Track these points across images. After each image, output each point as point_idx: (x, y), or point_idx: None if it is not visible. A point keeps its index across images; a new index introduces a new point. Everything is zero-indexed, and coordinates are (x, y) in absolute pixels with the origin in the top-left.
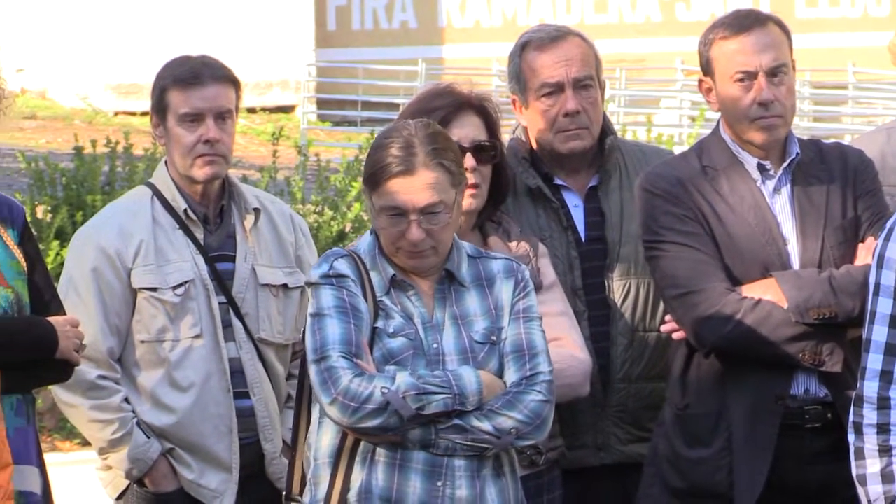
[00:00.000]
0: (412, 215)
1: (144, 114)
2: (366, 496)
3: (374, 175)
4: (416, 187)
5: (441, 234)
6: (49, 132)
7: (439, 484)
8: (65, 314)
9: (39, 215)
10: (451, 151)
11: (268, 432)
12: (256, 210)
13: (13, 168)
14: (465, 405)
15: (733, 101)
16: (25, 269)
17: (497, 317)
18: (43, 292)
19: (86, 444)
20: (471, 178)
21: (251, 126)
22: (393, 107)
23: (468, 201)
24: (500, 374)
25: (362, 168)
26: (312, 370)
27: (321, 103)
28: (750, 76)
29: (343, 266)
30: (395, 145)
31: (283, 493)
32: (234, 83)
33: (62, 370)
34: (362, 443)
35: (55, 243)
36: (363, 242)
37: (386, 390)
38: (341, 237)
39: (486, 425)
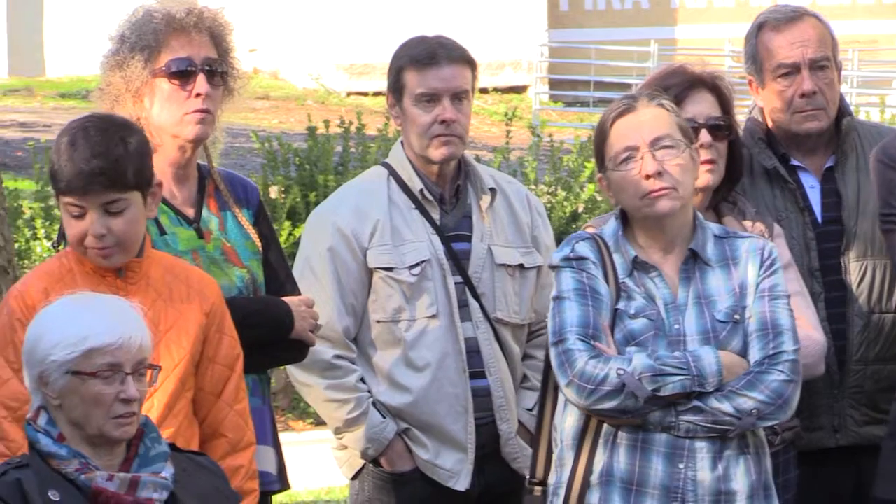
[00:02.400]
0: (643, 149)
1: (377, 94)
2: (607, 479)
3: (601, 133)
4: (640, 122)
5: (677, 172)
6: (281, 112)
7: (681, 466)
8: (300, 294)
9: (273, 195)
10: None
11: (504, 412)
12: (492, 190)
13: (246, 148)
14: (704, 386)
15: None
16: (260, 249)
17: (741, 295)
18: (278, 272)
19: (319, 423)
20: (706, 155)
21: (483, 106)
22: (625, 87)
23: (705, 177)
24: (743, 353)
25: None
26: (552, 353)
27: (553, 84)
28: None
29: (584, 248)
30: (612, 104)
31: (527, 476)
32: (471, 63)
33: (298, 350)
34: (605, 425)
35: (287, 223)
36: (609, 225)
37: (622, 372)
38: (574, 218)
39: (726, 406)
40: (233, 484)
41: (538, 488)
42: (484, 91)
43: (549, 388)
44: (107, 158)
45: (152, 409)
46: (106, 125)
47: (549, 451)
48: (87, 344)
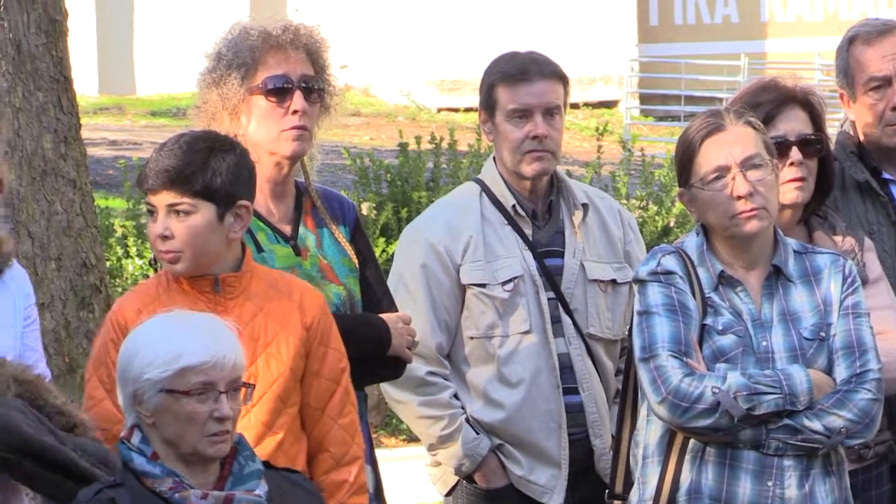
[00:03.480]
0: (734, 169)
1: (468, 110)
2: (695, 496)
3: (687, 151)
4: (730, 141)
5: (766, 191)
6: (373, 129)
7: (769, 484)
8: (397, 310)
9: (364, 212)
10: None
11: (597, 428)
12: (585, 206)
13: (337, 165)
14: (795, 405)
15: None
16: (357, 266)
17: (826, 313)
18: (375, 288)
19: (411, 440)
20: (797, 172)
21: (574, 121)
22: (715, 101)
23: (794, 194)
24: (828, 370)
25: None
26: (641, 369)
27: (644, 98)
28: None
29: (671, 262)
30: (698, 121)
31: (606, 490)
32: (563, 79)
33: (395, 367)
34: (691, 441)
35: (380, 240)
36: (690, 240)
37: (717, 390)
38: (666, 232)
39: (816, 425)
40: (336, 499)
41: (617, 503)
42: (574, 106)
43: (627, 403)
44: (179, 160)
45: (250, 425)
46: (202, 136)
47: (628, 466)
48: (180, 362)
